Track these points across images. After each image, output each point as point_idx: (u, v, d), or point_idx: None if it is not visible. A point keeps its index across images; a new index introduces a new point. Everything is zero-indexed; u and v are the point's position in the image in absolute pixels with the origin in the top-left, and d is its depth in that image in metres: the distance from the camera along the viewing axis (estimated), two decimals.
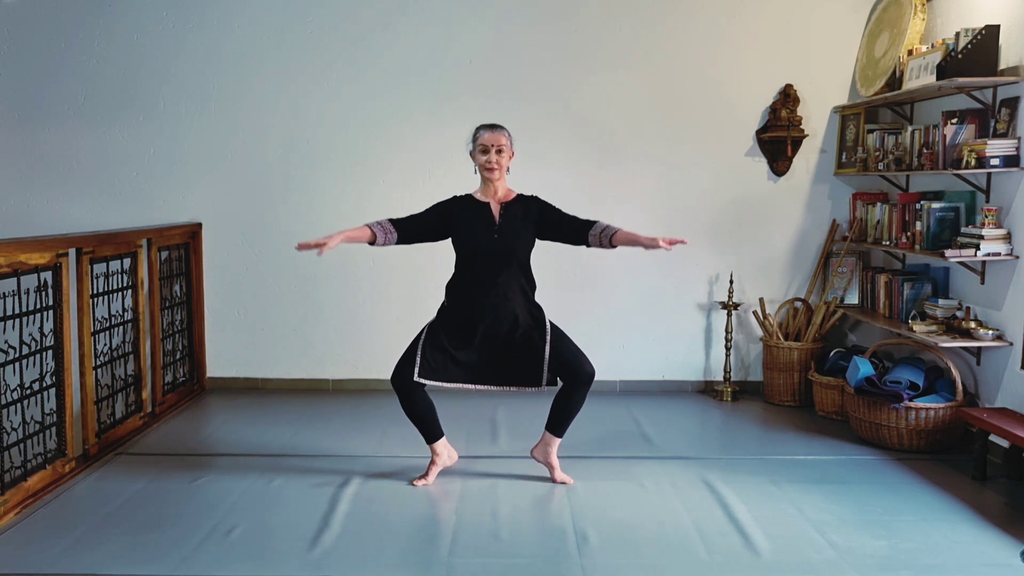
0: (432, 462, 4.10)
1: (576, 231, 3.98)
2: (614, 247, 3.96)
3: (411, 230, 3.97)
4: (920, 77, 4.77)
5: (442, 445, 4.10)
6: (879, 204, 5.34)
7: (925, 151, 4.77)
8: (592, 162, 5.73)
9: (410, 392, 3.94)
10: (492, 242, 3.91)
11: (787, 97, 5.62)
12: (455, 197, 4.05)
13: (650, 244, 3.83)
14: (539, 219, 3.98)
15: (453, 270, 4.05)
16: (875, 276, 5.33)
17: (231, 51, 5.68)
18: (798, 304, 5.69)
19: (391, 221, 3.96)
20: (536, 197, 4.05)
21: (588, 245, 4.00)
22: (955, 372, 4.53)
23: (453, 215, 3.97)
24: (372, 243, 3.91)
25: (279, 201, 5.78)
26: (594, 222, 3.98)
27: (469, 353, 3.94)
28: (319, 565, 3.24)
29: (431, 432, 4.06)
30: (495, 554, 3.34)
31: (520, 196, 4.05)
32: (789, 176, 5.74)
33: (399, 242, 3.96)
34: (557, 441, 4.07)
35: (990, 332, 4.39)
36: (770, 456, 4.51)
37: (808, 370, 5.40)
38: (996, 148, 4.25)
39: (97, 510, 3.75)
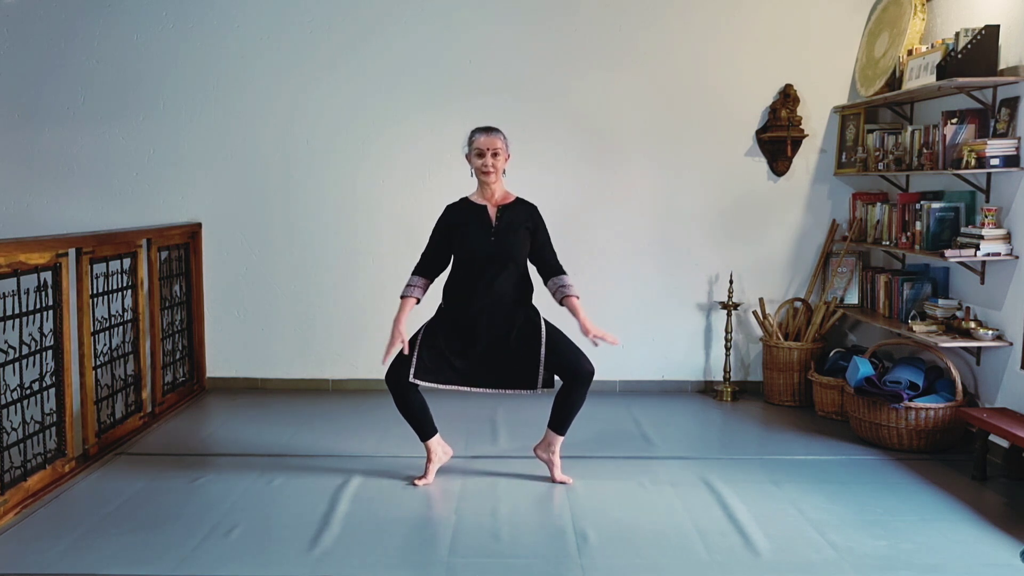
0: (428, 460, 4.11)
1: (544, 267, 4.06)
2: (561, 304, 4.04)
3: (434, 268, 4.06)
4: (920, 77, 4.77)
5: (436, 442, 4.11)
6: (879, 204, 5.34)
7: (925, 151, 4.77)
8: (591, 162, 5.73)
9: (404, 392, 3.96)
10: (489, 245, 3.92)
11: (787, 97, 5.63)
12: (449, 206, 4.06)
13: (584, 330, 3.93)
14: (532, 232, 4.01)
15: (450, 271, 4.05)
16: (875, 276, 5.34)
17: (230, 51, 5.69)
18: (798, 304, 5.69)
19: (416, 275, 4.03)
20: (536, 209, 4.06)
21: (545, 285, 4.07)
22: (955, 372, 4.53)
23: (451, 226, 4.00)
24: (418, 302, 4.04)
25: (279, 201, 5.79)
26: (562, 274, 4.03)
27: (465, 355, 3.95)
28: (319, 565, 3.24)
29: (425, 430, 4.08)
30: (495, 554, 3.34)
31: (519, 200, 4.05)
32: (789, 176, 5.74)
33: (430, 284, 4.07)
34: (560, 439, 4.08)
35: (990, 332, 4.39)
36: (770, 456, 4.51)
37: (808, 370, 5.40)
38: (996, 148, 4.25)
39: (97, 510, 3.75)
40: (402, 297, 4.00)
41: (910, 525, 3.62)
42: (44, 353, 3.97)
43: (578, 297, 4.01)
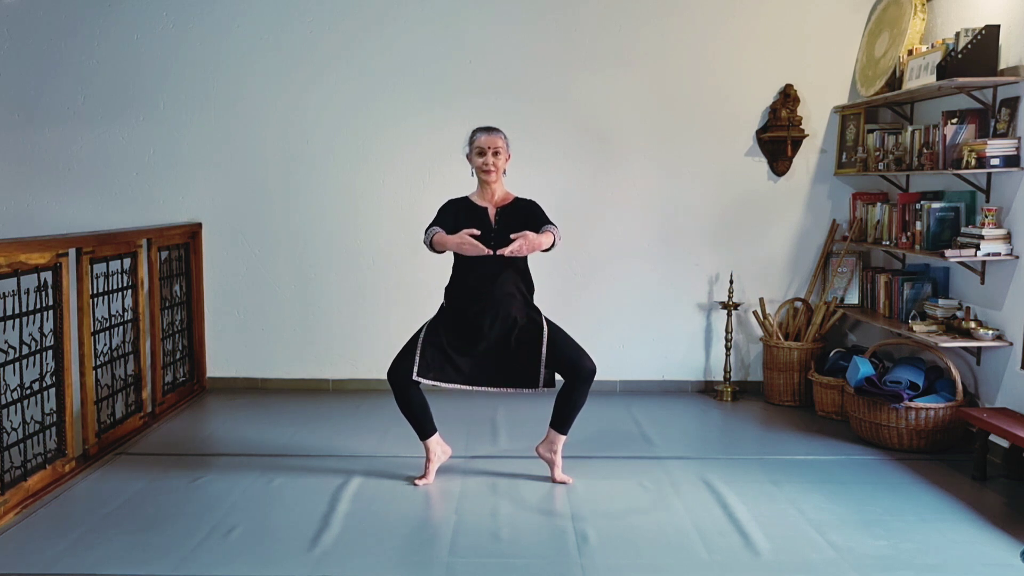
0: (427, 459, 4.11)
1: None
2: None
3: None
4: (920, 77, 4.77)
5: (435, 442, 4.11)
6: (879, 204, 5.35)
7: (925, 151, 4.77)
8: (592, 162, 5.73)
9: (406, 389, 3.96)
10: (489, 246, 3.91)
11: (787, 97, 5.62)
12: (451, 200, 4.06)
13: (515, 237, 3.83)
14: (528, 222, 3.98)
15: (451, 272, 4.05)
16: (875, 276, 5.34)
17: (230, 51, 5.68)
18: (798, 304, 5.69)
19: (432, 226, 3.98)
20: (534, 203, 4.06)
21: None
22: (955, 372, 4.53)
23: (455, 218, 3.98)
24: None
25: (279, 201, 5.79)
26: (551, 224, 3.98)
27: (467, 354, 3.95)
28: (319, 565, 3.24)
29: (424, 428, 4.08)
30: (495, 554, 3.34)
31: (517, 199, 4.05)
32: (789, 176, 5.74)
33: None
34: (562, 438, 4.08)
35: (990, 332, 4.39)
36: (770, 456, 4.51)
37: (808, 370, 5.40)
38: (996, 148, 4.25)
39: (97, 510, 3.75)
40: (433, 237, 3.89)
41: (910, 525, 3.62)
42: (44, 353, 3.97)
43: (554, 238, 3.88)
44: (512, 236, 3.81)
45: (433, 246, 3.92)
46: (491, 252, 3.82)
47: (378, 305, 5.81)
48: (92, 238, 4.50)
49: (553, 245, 3.92)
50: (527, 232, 3.82)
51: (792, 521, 3.66)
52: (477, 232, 3.85)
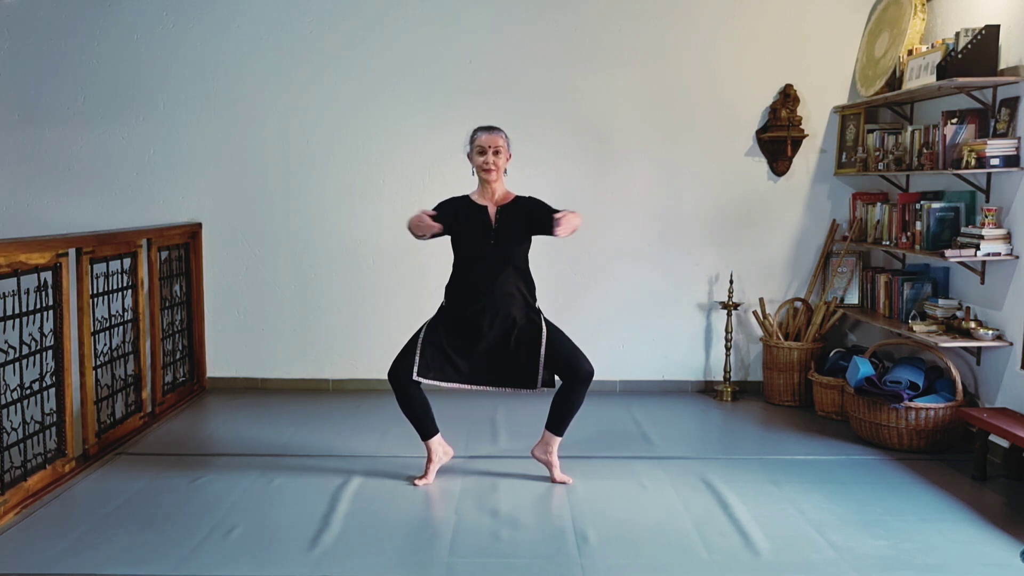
0: (428, 459, 4.11)
1: (550, 224, 3.90)
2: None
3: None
4: (920, 77, 4.77)
5: (436, 442, 4.11)
6: (879, 204, 5.35)
7: (925, 151, 4.77)
8: (592, 162, 5.73)
9: (407, 389, 3.96)
10: (489, 246, 3.91)
11: (787, 97, 5.62)
12: (453, 198, 4.05)
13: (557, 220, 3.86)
14: (530, 217, 3.97)
15: (451, 271, 4.05)
16: (875, 276, 5.34)
17: (230, 51, 5.68)
18: (798, 304, 5.69)
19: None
20: (534, 199, 4.05)
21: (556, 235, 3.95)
22: (955, 372, 4.53)
23: (456, 215, 3.98)
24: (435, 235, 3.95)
25: (279, 201, 5.79)
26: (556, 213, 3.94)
27: (466, 354, 3.95)
28: (319, 565, 3.24)
29: (426, 428, 4.08)
30: (495, 554, 3.34)
31: (518, 198, 4.05)
32: (789, 176, 5.74)
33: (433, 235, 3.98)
34: (558, 440, 4.08)
35: (990, 332, 4.39)
36: (770, 456, 4.51)
37: (808, 370, 5.40)
38: (996, 148, 4.25)
39: (97, 510, 3.75)
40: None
41: (910, 525, 3.62)
42: (44, 353, 3.97)
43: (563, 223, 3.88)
44: (556, 216, 3.83)
45: (411, 231, 3.93)
46: (440, 228, 3.88)
47: (378, 305, 5.81)
48: (92, 238, 4.50)
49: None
50: (568, 211, 3.88)
51: (792, 521, 3.66)
52: (432, 212, 3.89)
